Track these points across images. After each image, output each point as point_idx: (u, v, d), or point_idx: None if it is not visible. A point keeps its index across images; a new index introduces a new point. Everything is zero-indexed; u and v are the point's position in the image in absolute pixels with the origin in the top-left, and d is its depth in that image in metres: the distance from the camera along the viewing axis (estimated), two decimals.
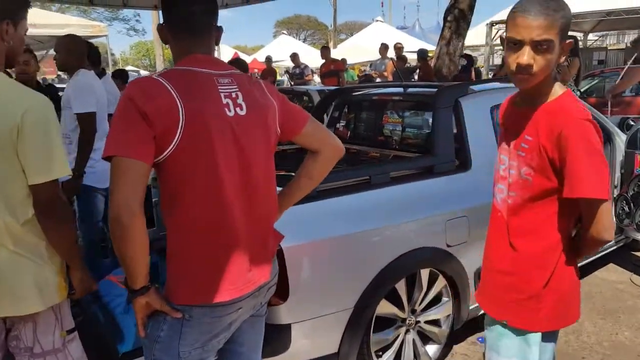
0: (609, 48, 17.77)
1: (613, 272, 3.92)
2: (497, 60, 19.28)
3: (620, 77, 5.34)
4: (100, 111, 3.20)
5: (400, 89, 3.39)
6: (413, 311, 2.54)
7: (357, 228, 2.22)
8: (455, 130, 2.80)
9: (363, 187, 2.35)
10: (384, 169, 2.46)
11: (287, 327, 1.99)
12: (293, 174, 2.53)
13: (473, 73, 9.42)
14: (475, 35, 14.40)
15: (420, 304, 2.55)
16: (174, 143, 1.28)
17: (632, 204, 3.50)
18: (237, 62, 4.66)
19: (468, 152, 2.77)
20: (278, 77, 13.33)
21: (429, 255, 2.47)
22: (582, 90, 8.45)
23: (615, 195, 3.63)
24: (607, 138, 3.66)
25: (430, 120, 3.26)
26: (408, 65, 9.80)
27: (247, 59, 22.43)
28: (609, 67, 12.01)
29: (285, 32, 28.85)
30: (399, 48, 9.68)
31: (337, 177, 2.31)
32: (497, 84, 3.36)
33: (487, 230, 2.74)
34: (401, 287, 2.40)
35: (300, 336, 2.03)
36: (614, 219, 3.61)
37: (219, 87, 1.38)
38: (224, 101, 1.38)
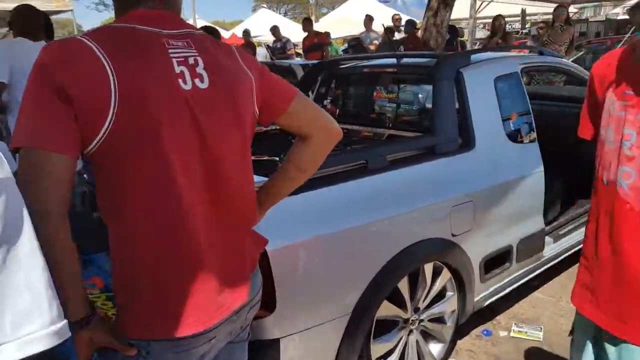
0: (589, 20, 17.60)
1: None
2: (480, 35, 18.95)
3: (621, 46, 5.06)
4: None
5: (394, 60, 3.07)
6: (416, 309, 2.27)
7: (354, 222, 1.93)
8: (457, 105, 2.51)
9: (359, 173, 2.06)
10: (382, 151, 2.16)
11: (276, 343, 1.71)
12: (277, 159, 2.16)
13: (458, 46, 9.09)
14: (459, 8, 14.03)
15: (423, 301, 2.29)
16: (105, 127, 0.95)
17: None
18: (206, 29, 4.26)
19: (472, 129, 2.49)
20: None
21: (434, 248, 2.20)
22: (571, 60, 8.21)
23: None
24: None
25: (424, 95, 2.98)
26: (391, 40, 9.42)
27: (226, 34, 21.79)
28: (589, 39, 11.77)
29: (265, 5, 28.09)
30: (397, 19, 9.30)
31: (330, 162, 1.99)
32: (499, 53, 3.07)
33: (494, 214, 2.51)
34: (403, 285, 2.12)
35: (290, 352, 1.75)
36: None
37: (169, 50, 1.05)
38: (177, 69, 1.04)
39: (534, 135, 2.77)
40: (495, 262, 2.58)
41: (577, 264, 1.57)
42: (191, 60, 1.07)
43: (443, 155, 2.34)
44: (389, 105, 3.08)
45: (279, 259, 1.68)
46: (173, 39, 1.07)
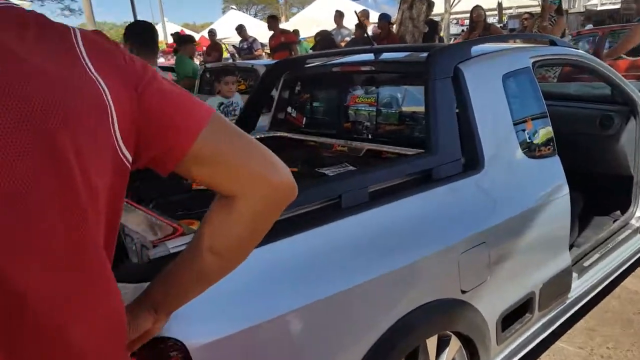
0: (568, 12, 17.37)
1: None
2: (454, 31, 18.54)
3: (627, 36, 4.55)
4: None
5: (372, 56, 2.45)
6: None
7: (321, 292, 1.29)
8: (457, 112, 1.90)
9: (328, 214, 1.43)
10: (361, 180, 1.53)
11: None
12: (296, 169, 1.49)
13: (437, 42, 8.54)
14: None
15: None
16: None
17: None
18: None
19: (478, 142, 1.88)
20: (225, 55, 12.10)
21: (438, 314, 1.58)
22: None
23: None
24: (632, 110, 2.84)
25: (410, 99, 2.36)
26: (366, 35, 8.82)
27: (196, 36, 20.97)
28: (570, 30, 11.42)
29: (234, 7, 27.39)
30: (363, 14, 8.69)
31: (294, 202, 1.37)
32: (503, 44, 2.47)
33: (513, 256, 1.90)
34: None
35: None
36: None
37: None
38: None
39: (553, 146, 2.17)
40: (513, 314, 1.98)
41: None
42: None
43: (443, 181, 1.72)
44: (367, 112, 2.45)
45: None
46: None
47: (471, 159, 1.86)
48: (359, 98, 2.48)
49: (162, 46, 21.67)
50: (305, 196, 1.41)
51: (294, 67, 2.80)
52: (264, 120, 2.91)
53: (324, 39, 7.37)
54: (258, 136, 2.75)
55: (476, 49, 2.09)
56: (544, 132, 2.16)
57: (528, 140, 2.08)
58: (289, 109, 2.82)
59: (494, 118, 1.97)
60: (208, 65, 5.78)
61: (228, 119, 0.81)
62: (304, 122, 2.75)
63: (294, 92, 2.81)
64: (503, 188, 1.91)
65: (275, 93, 2.87)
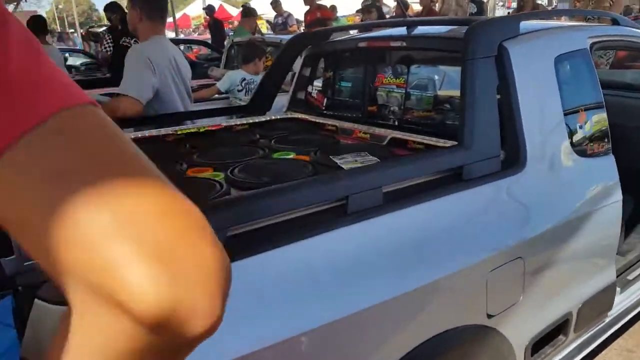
0: None
1: None
2: (499, 12, 17.65)
3: None
4: None
5: (404, 30, 2.15)
6: None
7: (311, 321, 1.04)
8: (498, 98, 1.60)
9: (329, 220, 1.17)
10: (373, 179, 1.26)
11: None
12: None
13: None
14: None
15: None
16: None
17: None
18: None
19: (521, 135, 1.58)
20: (265, 31, 11.79)
21: (456, 347, 1.31)
22: None
23: None
24: None
25: (446, 81, 2.05)
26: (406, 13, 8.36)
27: (234, 11, 20.81)
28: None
29: None
30: None
31: (282, 204, 1.12)
32: (556, 22, 2.13)
33: (552, 273, 1.60)
34: None
35: None
36: None
37: None
38: None
39: (608, 143, 1.85)
40: (545, 337, 1.69)
41: None
42: None
43: (476, 181, 1.44)
44: (395, 95, 2.16)
45: None
46: None
47: (511, 156, 1.56)
48: (387, 79, 2.19)
49: (200, 20, 21.59)
50: (305, 195, 1.16)
51: (316, 41, 2.51)
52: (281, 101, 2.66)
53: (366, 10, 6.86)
54: (273, 117, 2.50)
55: (525, 25, 1.76)
56: (599, 127, 1.84)
57: (580, 136, 1.76)
58: (310, 88, 2.55)
59: (542, 108, 1.66)
60: (235, 40, 5.53)
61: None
62: (324, 104, 2.48)
63: (316, 69, 2.54)
64: (546, 192, 1.61)
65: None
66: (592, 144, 1.79)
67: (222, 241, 0.38)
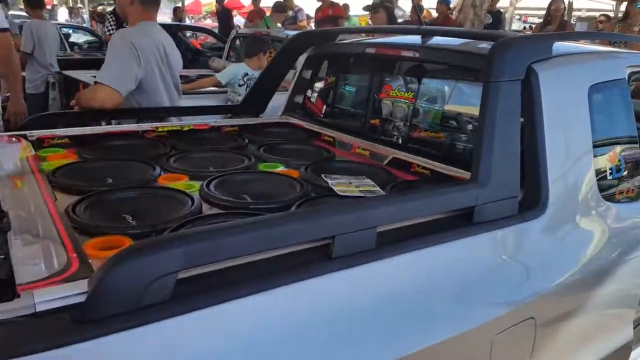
0: None
1: None
2: (516, 26, 17.36)
3: None
4: None
5: (419, 39, 1.92)
6: None
7: None
8: (521, 128, 1.38)
9: (311, 265, 0.95)
10: (365, 216, 1.03)
11: None
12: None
13: None
14: None
15: None
16: None
17: None
18: None
19: (544, 174, 1.35)
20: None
21: None
22: None
23: None
24: None
25: (461, 100, 1.84)
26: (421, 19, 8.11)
27: (246, 1, 20.52)
28: None
29: None
30: None
31: (250, 243, 0.89)
32: (591, 46, 1.91)
33: (566, 334, 1.38)
34: None
35: None
36: None
37: None
38: None
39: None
40: None
41: None
42: None
43: (488, 225, 1.22)
44: (401, 110, 1.94)
45: None
46: None
47: (531, 197, 1.34)
48: (394, 91, 1.97)
49: (211, 7, 21.32)
50: (279, 234, 0.93)
51: (322, 41, 2.29)
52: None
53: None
54: (267, 120, 2.28)
55: (558, 46, 1.54)
56: (631, 167, 1.62)
57: (609, 178, 1.54)
58: (309, 93, 2.33)
59: (570, 143, 1.44)
60: (240, 31, 5.30)
61: None
62: (323, 111, 2.26)
63: (318, 72, 2.32)
64: (568, 240, 1.39)
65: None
66: (621, 187, 1.57)
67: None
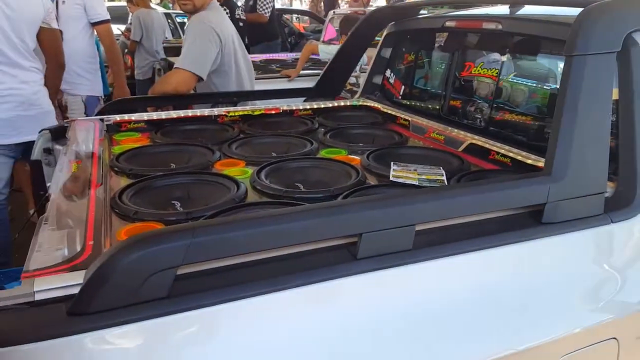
0: None
1: None
2: None
3: None
4: None
5: (506, 10, 1.71)
6: None
7: None
8: (614, 109, 1.15)
9: (331, 266, 0.85)
10: (400, 211, 0.91)
11: None
12: None
13: None
14: None
15: None
16: None
17: None
18: None
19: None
20: None
21: None
22: None
23: None
24: None
25: (551, 80, 1.60)
26: None
27: None
28: None
29: None
30: None
31: (267, 237, 0.82)
32: None
33: None
34: None
35: None
36: None
37: None
38: None
39: None
40: None
41: None
42: None
43: (561, 227, 1.03)
44: (484, 89, 1.74)
45: None
46: None
47: (622, 193, 1.12)
48: (475, 68, 1.77)
49: None
50: (299, 228, 0.85)
51: (401, 17, 2.13)
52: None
53: None
54: (342, 103, 2.19)
55: None
56: None
57: None
58: (388, 73, 2.19)
59: None
60: (337, 11, 5.19)
61: None
62: (401, 92, 2.11)
63: (397, 51, 2.17)
64: None
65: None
66: None
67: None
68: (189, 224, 0.81)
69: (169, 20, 6.73)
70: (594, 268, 1.06)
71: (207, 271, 0.81)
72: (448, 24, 1.83)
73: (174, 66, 2.15)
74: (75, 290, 0.76)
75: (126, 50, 4.98)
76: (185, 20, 10.02)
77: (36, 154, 1.74)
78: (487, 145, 1.58)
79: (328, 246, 0.89)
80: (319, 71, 3.84)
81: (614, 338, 1.03)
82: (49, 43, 2.32)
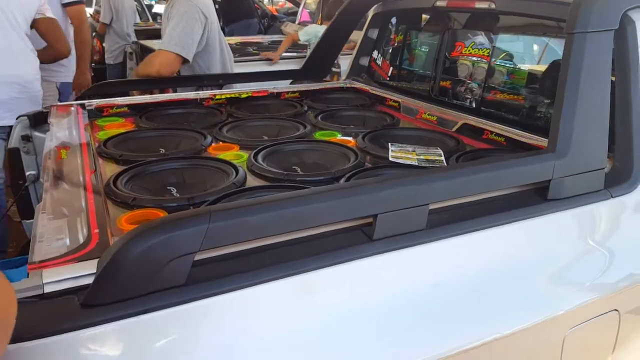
0: None
1: None
2: None
3: None
4: None
5: None
6: None
7: None
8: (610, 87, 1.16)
9: (347, 248, 0.84)
10: (413, 191, 0.90)
11: None
12: None
13: None
14: None
15: None
16: None
17: None
18: None
19: (638, 143, 1.14)
20: None
21: None
22: None
23: None
24: None
25: (543, 57, 1.61)
26: None
27: None
28: None
29: None
30: None
31: (279, 222, 0.80)
32: None
33: None
34: None
35: None
36: None
37: None
38: None
39: None
40: None
41: None
42: None
43: (565, 203, 1.04)
44: (475, 69, 1.74)
45: None
46: None
47: (620, 169, 1.14)
48: (466, 48, 1.77)
49: None
50: (313, 211, 0.83)
51: None
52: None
53: None
54: (329, 86, 2.16)
55: None
56: None
57: None
58: (375, 54, 2.17)
59: None
60: None
61: None
62: (389, 74, 2.10)
63: (385, 31, 2.15)
64: None
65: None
66: None
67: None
68: (204, 209, 0.78)
69: (136, 2, 6.53)
70: (596, 241, 1.07)
71: (221, 257, 0.79)
72: (439, 3, 1.81)
73: (158, 47, 2.08)
74: (87, 281, 0.73)
75: (94, 34, 4.80)
76: (153, 2, 9.72)
77: (14, 141, 1.67)
78: (480, 125, 1.58)
79: (342, 228, 0.88)
80: (299, 53, 3.83)
81: (615, 310, 1.06)
82: (49, 32, 2.30)
